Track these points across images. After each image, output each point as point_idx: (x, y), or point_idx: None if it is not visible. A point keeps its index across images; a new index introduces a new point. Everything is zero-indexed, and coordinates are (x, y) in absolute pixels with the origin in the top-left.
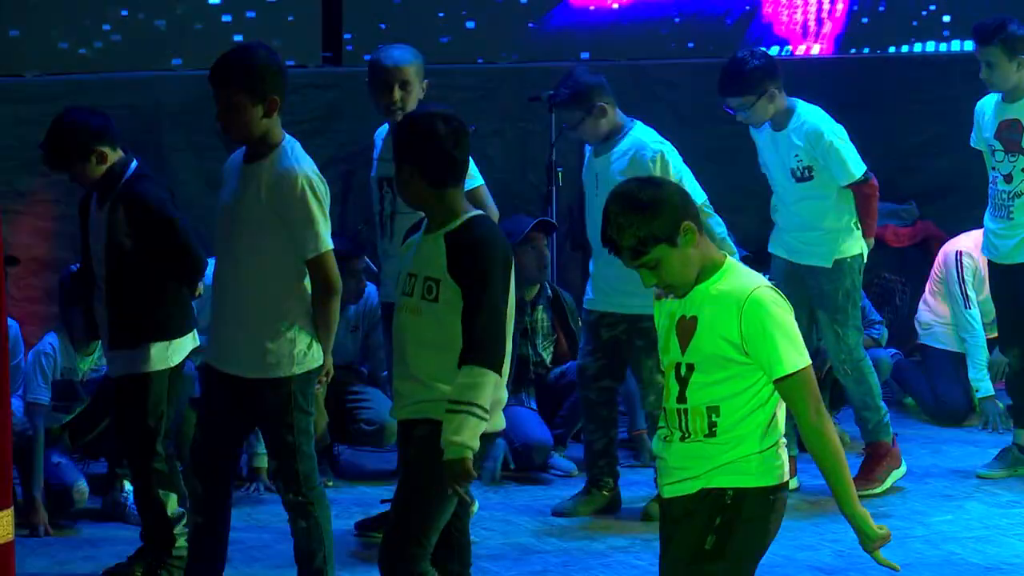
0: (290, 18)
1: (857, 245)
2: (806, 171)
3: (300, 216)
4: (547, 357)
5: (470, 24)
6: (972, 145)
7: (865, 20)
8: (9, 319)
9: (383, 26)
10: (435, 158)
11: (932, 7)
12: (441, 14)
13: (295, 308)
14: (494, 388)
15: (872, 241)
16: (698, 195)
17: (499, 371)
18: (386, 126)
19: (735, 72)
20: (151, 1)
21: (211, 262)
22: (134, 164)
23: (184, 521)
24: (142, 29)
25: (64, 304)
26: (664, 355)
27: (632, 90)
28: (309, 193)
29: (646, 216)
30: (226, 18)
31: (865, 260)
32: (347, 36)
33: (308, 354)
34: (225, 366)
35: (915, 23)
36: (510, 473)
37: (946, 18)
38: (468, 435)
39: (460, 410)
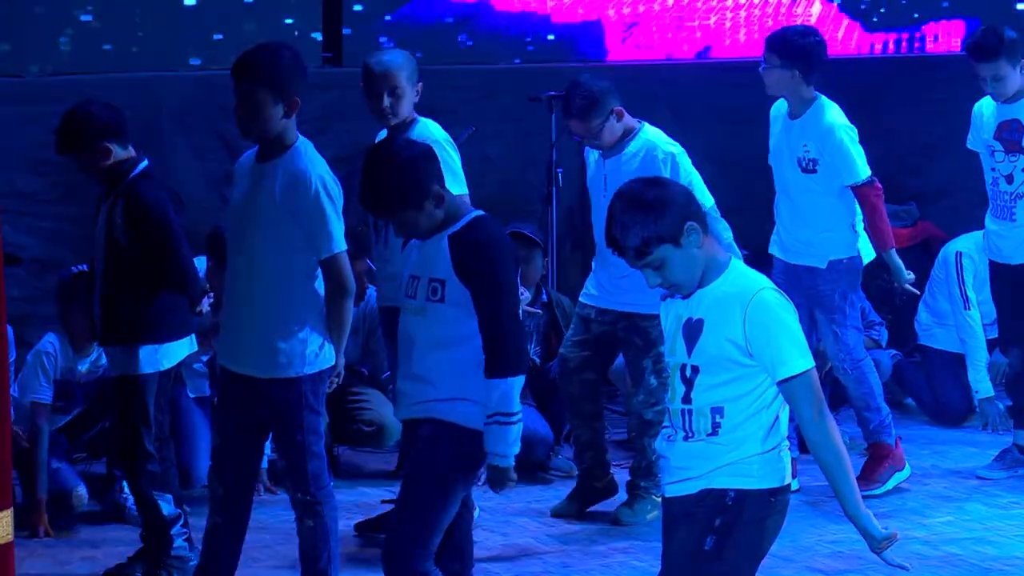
0: (290, 18)
1: (853, 247)
2: (811, 163)
3: (314, 216)
4: (538, 360)
5: (469, 23)
6: (969, 147)
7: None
8: None
9: (383, 26)
10: (420, 193)
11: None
12: (440, 14)
13: (307, 308)
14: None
15: (894, 253)
16: (706, 199)
17: (523, 369)
18: (385, 131)
19: (792, 36)
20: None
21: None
22: (143, 164)
23: (181, 522)
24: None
25: (62, 304)
26: (670, 356)
27: (632, 90)
28: (323, 193)
29: (651, 216)
30: (226, 18)
31: (864, 261)
32: (347, 36)
33: (320, 354)
34: (236, 366)
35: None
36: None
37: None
38: (502, 444)
39: (491, 421)
